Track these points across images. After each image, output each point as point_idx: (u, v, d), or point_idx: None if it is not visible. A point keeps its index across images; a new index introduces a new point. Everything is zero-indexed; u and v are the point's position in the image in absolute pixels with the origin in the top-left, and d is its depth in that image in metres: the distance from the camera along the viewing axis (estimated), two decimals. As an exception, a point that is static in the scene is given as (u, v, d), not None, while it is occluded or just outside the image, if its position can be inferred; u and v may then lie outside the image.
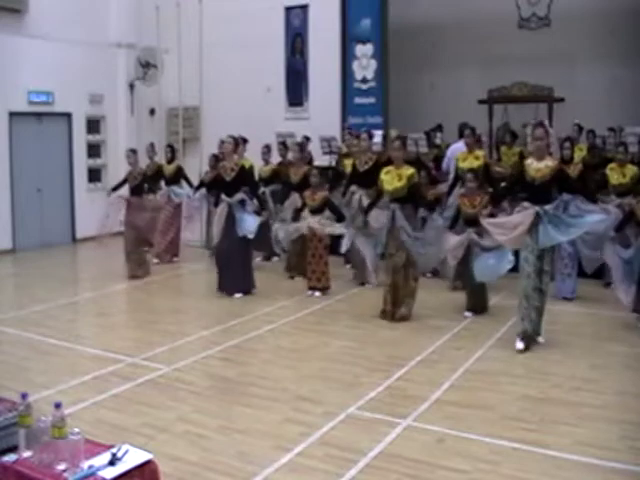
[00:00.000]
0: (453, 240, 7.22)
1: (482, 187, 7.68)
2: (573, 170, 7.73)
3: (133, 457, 2.94)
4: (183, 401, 5.16)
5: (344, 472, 4.01)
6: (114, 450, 2.95)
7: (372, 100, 12.28)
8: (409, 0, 12.62)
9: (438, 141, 11.02)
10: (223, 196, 8.19)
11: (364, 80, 12.37)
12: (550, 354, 6.25)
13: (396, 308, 7.20)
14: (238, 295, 8.23)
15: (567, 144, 8.02)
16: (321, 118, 12.03)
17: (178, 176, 10.79)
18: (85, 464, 2.85)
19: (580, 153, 9.67)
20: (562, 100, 11.63)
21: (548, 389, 5.33)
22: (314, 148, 10.98)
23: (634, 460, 4.13)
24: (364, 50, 12.34)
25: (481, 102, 12.16)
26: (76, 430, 2.91)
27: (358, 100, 12.41)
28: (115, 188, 9.87)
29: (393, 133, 10.38)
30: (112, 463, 2.87)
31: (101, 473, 2.81)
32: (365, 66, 12.36)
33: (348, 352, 6.31)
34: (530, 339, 6.29)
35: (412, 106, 12.61)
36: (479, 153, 8.51)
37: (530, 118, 11.40)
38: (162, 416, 4.85)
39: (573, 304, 7.77)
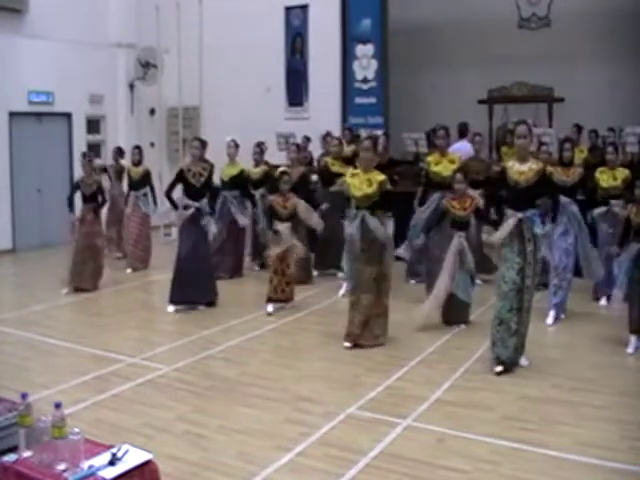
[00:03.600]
0: (449, 260, 6.78)
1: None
2: (573, 173, 7.35)
3: (133, 457, 2.94)
4: (183, 401, 5.16)
5: (344, 472, 4.01)
6: (114, 450, 2.95)
7: (373, 100, 12.30)
8: (409, 0, 12.63)
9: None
10: (190, 201, 7.69)
11: (365, 80, 12.39)
12: (550, 354, 6.25)
13: (365, 331, 6.41)
14: (202, 307, 7.80)
15: (567, 145, 7.51)
16: (321, 118, 12.03)
17: (145, 181, 10.20)
18: (85, 464, 2.85)
19: (580, 154, 9.65)
20: (562, 100, 11.65)
21: (548, 389, 5.33)
22: (314, 148, 10.97)
23: (634, 460, 4.13)
24: (364, 50, 12.35)
25: (481, 102, 12.18)
26: (76, 430, 2.91)
27: (359, 100, 12.43)
28: (70, 204, 9.04)
29: (364, 133, 10.35)
30: (112, 463, 2.87)
31: (101, 473, 2.81)
32: (366, 66, 12.37)
33: (348, 352, 6.31)
34: (510, 364, 5.71)
35: (412, 106, 12.62)
36: (454, 157, 7.96)
37: (530, 118, 11.40)
38: (162, 416, 4.85)
39: (573, 304, 7.73)
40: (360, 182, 6.37)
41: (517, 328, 5.68)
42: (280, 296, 7.67)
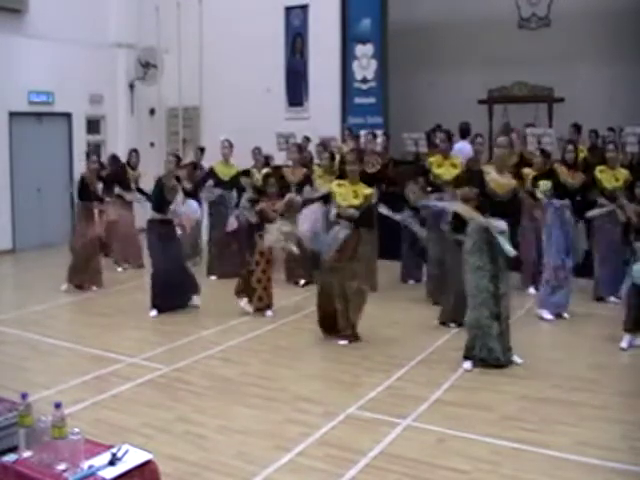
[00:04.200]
0: None
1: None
2: (575, 177, 7.35)
3: (133, 457, 2.94)
4: (183, 401, 5.16)
5: (344, 472, 4.01)
6: (114, 450, 2.94)
7: (372, 100, 12.29)
8: (409, 0, 12.62)
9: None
10: (159, 215, 7.65)
11: (364, 80, 12.37)
12: (550, 354, 6.26)
13: (346, 322, 6.55)
14: (197, 301, 7.84)
15: (570, 147, 7.56)
16: (321, 118, 12.02)
17: (136, 184, 10.06)
18: (85, 464, 2.85)
19: (580, 154, 9.65)
20: (562, 100, 11.65)
21: (548, 389, 5.33)
22: (314, 148, 10.96)
23: (635, 460, 4.13)
24: (364, 50, 12.34)
25: (481, 102, 12.18)
26: (76, 430, 2.90)
27: (358, 100, 12.42)
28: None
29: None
30: (112, 463, 2.87)
31: (101, 473, 2.81)
32: (365, 66, 12.36)
33: (348, 352, 6.31)
34: (499, 365, 5.73)
35: (412, 106, 12.61)
36: (456, 161, 7.86)
37: (530, 118, 11.42)
38: (162, 416, 4.85)
39: (572, 304, 7.73)
40: (347, 192, 6.42)
41: (500, 331, 5.72)
42: (259, 305, 7.58)
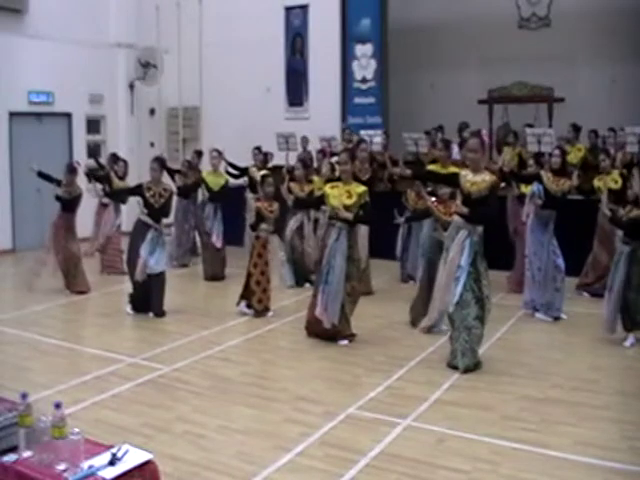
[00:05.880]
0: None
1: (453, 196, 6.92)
2: (563, 184, 7.18)
3: (133, 457, 2.94)
4: (183, 401, 5.16)
5: (344, 472, 4.01)
6: (114, 450, 2.94)
7: (372, 100, 12.30)
8: (409, 0, 12.63)
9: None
10: (151, 221, 7.45)
11: (364, 80, 12.39)
12: (550, 354, 6.26)
13: (345, 322, 6.59)
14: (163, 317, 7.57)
15: (557, 152, 7.38)
16: (321, 118, 12.04)
17: None
18: (85, 464, 2.85)
19: (579, 153, 9.67)
20: (562, 100, 11.65)
21: (548, 389, 5.33)
22: (314, 148, 10.96)
23: (634, 460, 4.13)
24: (364, 50, 12.36)
25: (481, 102, 12.17)
26: (76, 430, 2.91)
27: (358, 100, 12.43)
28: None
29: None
30: (112, 463, 2.87)
31: (101, 473, 2.81)
32: (365, 66, 12.38)
33: (348, 352, 6.31)
34: (475, 366, 5.74)
35: (412, 106, 12.62)
36: (454, 169, 7.48)
37: (530, 118, 11.42)
38: (162, 416, 4.85)
39: (573, 304, 7.74)
40: (340, 193, 6.43)
41: (480, 333, 5.72)
42: (259, 307, 7.52)
